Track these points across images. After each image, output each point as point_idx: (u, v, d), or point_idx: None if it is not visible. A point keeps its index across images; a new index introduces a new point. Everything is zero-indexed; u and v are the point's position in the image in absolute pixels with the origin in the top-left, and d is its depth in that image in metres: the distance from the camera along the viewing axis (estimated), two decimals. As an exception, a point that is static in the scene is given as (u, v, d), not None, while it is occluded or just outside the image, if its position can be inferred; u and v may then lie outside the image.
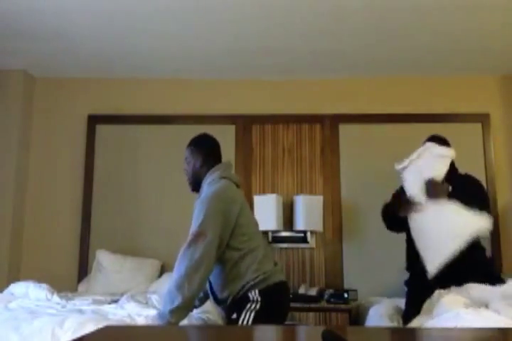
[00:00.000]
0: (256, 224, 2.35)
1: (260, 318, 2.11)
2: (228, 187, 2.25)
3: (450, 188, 2.79)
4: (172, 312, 1.97)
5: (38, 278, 3.23)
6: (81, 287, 3.64)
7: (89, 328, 2.10)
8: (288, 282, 2.36)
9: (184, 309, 2.02)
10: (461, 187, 2.81)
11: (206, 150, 2.34)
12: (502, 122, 3.99)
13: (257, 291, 2.15)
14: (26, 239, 3.95)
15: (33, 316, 2.30)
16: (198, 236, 2.06)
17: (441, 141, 2.94)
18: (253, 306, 2.13)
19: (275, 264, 2.33)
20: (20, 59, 3.85)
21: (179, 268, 2.04)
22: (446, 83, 4.05)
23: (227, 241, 2.15)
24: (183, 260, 2.04)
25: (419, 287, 2.70)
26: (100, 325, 2.13)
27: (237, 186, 2.35)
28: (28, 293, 2.90)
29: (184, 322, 2.26)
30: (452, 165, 3.00)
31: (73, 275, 3.85)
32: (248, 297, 2.15)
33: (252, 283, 2.16)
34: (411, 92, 4.05)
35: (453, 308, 2.14)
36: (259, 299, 2.14)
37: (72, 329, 2.15)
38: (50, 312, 2.49)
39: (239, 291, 2.16)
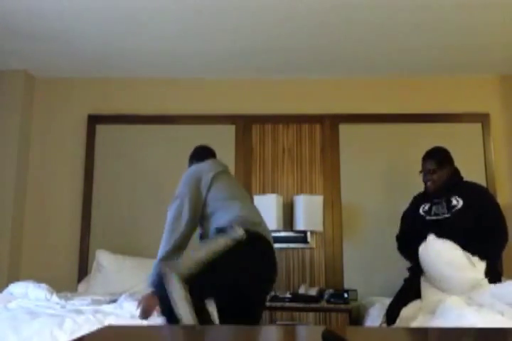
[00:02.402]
0: (238, 188, 2.57)
1: (239, 250, 2.21)
2: (205, 163, 2.58)
3: (461, 203, 2.80)
4: (162, 258, 2.28)
5: (38, 278, 3.23)
6: (81, 287, 3.64)
7: (88, 328, 2.10)
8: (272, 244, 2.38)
9: (171, 254, 2.30)
10: (470, 201, 2.83)
11: (201, 153, 2.78)
12: (502, 122, 3.99)
13: (241, 227, 2.27)
14: (26, 239, 3.95)
15: (32, 316, 2.30)
16: (174, 199, 2.43)
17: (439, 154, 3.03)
18: (234, 236, 2.24)
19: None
20: (20, 59, 3.85)
21: (166, 226, 2.40)
22: (446, 83, 4.05)
23: (205, 197, 2.42)
24: (167, 219, 2.41)
25: (416, 285, 2.71)
26: (99, 325, 2.13)
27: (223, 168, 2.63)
28: (27, 293, 2.89)
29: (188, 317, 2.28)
30: (456, 172, 3.00)
31: (73, 275, 3.85)
32: (231, 228, 2.28)
33: (239, 220, 2.31)
34: (411, 92, 4.05)
35: (456, 308, 2.14)
36: (242, 233, 2.24)
37: (71, 330, 2.15)
38: (49, 312, 2.49)
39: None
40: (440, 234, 2.67)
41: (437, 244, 2.61)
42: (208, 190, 2.42)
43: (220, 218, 2.36)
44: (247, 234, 2.23)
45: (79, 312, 2.52)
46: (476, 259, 2.57)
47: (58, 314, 2.41)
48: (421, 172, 3.04)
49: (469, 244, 2.63)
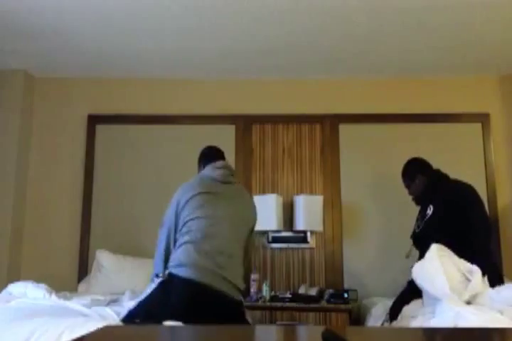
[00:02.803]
0: (209, 217, 2.41)
1: (152, 300, 2.27)
2: (193, 180, 2.55)
3: (431, 211, 2.79)
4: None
5: (38, 278, 3.24)
6: (81, 287, 3.64)
7: (87, 328, 2.10)
8: (213, 288, 2.27)
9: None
10: (438, 207, 2.77)
11: (199, 161, 2.76)
12: (502, 122, 3.99)
13: (179, 277, 2.26)
14: (26, 239, 3.95)
15: (30, 316, 2.30)
16: (161, 225, 2.52)
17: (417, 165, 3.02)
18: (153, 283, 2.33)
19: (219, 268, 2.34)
20: (20, 59, 3.85)
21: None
22: (446, 83, 4.05)
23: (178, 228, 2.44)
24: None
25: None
26: (97, 325, 2.13)
27: (218, 181, 2.54)
28: (26, 292, 2.89)
29: None
30: (433, 178, 2.94)
31: (73, 275, 3.85)
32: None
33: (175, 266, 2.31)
34: (411, 92, 4.06)
35: (455, 307, 2.14)
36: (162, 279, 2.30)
37: (69, 330, 2.14)
38: (47, 312, 2.49)
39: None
40: (419, 246, 2.71)
41: (419, 272, 2.47)
42: (178, 217, 2.45)
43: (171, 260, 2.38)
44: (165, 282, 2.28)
45: (77, 312, 2.52)
46: (469, 268, 2.39)
47: (57, 314, 2.41)
48: None
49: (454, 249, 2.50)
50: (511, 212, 3.79)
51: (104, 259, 3.65)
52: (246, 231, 2.54)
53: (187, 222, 2.40)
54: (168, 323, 1.99)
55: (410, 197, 3.15)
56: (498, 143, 3.95)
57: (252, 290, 3.47)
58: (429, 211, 2.81)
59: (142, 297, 2.34)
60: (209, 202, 2.44)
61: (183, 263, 2.29)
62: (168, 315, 2.13)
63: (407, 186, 3.07)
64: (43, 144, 4.10)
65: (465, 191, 2.85)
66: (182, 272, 2.28)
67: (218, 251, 2.36)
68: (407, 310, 2.56)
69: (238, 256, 2.46)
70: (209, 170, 2.59)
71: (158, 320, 2.09)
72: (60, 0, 2.96)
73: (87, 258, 3.86)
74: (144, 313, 2.25)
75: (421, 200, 2.97)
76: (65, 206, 3.99)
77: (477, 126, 3.95)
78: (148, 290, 2.34)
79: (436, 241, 2.52)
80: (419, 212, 2.99)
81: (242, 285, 2.41)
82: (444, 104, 4.00)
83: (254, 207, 2.64)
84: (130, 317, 2.27)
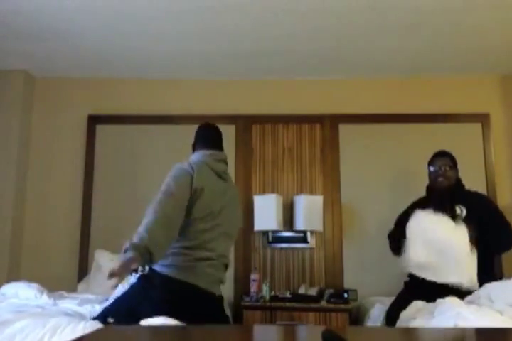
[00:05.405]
0: (215, 222, 2.33)
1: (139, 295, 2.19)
2: (199, 168, 2.39)
3: (464, 212, 2.80)
4: (132, 247, 2.13)
5: (38, 278, 3.23)
6: (81, 287, 3.64)
7: (72, 328, 2.10)
8: (216, 296, 2.27)
9: (140, 249, 2.14)
10: (476, 209, 2.81)
11: (203, 135, 2.61)
12: (502, 122, 3.99)
13: (164, 275, 2.20)
14: (26, 239, 3.95)
15: (17, 316, 2.29)
16: (167, 194, 2.27)
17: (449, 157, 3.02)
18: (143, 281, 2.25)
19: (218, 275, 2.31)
20: (21, 59, 3.85)
21: (152, 213, 2.24)
22: (446, 83, 4.05)
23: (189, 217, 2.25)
24: (154, 210, 2.23)
25: (415, 289, 2.71)
26: (80, 326, 2.13)
27: (218, 175, 2.45)
28: (17, 293, 2.89)
29: None
30: (458, 181, 3.00)
31: (73, 275, 3.85)
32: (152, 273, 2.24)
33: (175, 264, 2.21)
34: (411, 92, 4.05)
35: (455, 307, 2.14)
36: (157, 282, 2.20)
37: (51, 331, 2.13)
38: (35, 312, 2.48)
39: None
40: None
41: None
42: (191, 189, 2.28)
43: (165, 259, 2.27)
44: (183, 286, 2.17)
45: (66, 312, 2.52)
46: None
47: (44, 313, 2.41)
48: (434, 169, 3.00)
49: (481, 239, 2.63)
50: (511, 212, 3.78)
51: (103, 259, 3.65)
52: (237, 227, 2.53)
53: (188, 224, 2.30)
54: (148, 321, 1.96)
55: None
56: (498, 143, 3.95)
57: (252, 290, 3.46)
58: (461, 211, 2.80)
59: (121, 292, 2.28)
60: (211, 203, 2.36)
61: (174, 265, 2.23)
62: (148, 312, 2.04)
63: (450, 167, 2.96)
64: (43, 144, 4.10)
65: (492, 201, 3.15)
66: (167, 270, 2.22)
67: (212, 257, 2.31)
68: (404, 314, 2.54)
69: (228, 254, 2.43)
70: (212, 162, 2.47)
71: (137, 317, 1.99)
72: (61, 0, 2.96)
73: (86, 258, 3.86)
74: (122, 311, 2.18)
75: (446, 196, 2.90)
76: (65, 206, 3.99)
77: (477, 126, 3.95)
78: (126, 285, 2.28)
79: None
80: (433, 208, 2.87)
81: (225, 280, 2.40)
82: (444, 104, 4.00)
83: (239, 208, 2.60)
84: (104, 315, 2.19)
